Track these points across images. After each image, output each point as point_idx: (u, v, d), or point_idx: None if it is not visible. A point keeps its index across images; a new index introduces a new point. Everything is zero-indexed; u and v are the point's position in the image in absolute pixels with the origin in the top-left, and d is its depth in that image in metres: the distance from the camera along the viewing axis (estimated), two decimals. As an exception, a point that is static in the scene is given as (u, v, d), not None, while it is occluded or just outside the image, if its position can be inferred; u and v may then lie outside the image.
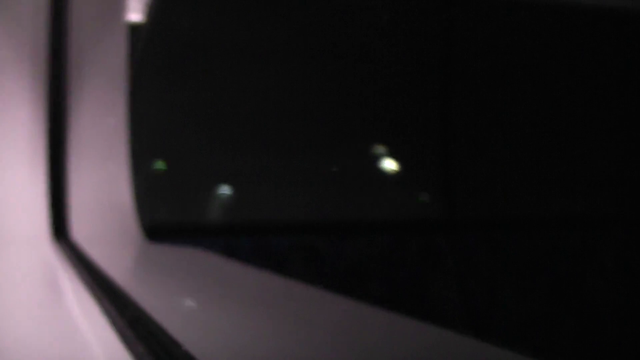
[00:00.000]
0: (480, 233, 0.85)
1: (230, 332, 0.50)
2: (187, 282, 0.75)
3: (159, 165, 1.13)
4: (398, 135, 0.80)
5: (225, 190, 1.05)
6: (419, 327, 0.46)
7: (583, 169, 0.75)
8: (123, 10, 1.11)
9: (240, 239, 1.01)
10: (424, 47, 0.66)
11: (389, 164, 0.86)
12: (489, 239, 0.81)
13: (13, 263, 0.96)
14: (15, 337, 0.56)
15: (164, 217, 1.11)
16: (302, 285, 0.67)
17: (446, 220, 0.84)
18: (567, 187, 0.76)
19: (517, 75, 0.71)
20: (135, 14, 1.11)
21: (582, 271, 0.60)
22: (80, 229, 1.06)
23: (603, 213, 0.76)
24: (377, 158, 0.86)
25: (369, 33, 0.56)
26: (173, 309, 0.60)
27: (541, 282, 0.62)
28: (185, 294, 0.67)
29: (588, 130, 0.71)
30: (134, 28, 1.10)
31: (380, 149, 0.86)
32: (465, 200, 0.87)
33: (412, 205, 0.85)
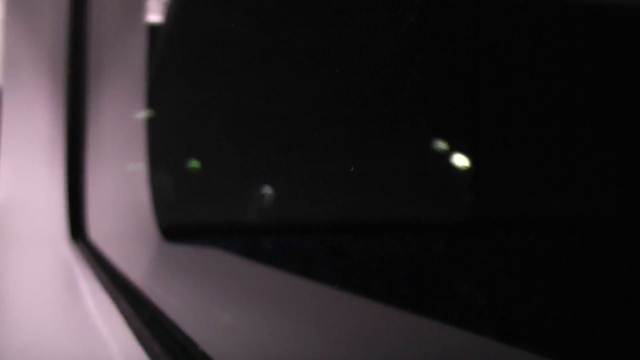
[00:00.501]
0: (481, 233, 0.85)
1: (246, 333, 0.50)
2: (203, 283, 0.74)
3: (177, 165, 1.13)
4: (404, 137, 0.80)
5: (242, 190, 1.05)
6: (438, 328, 0.46)
7: (583, 169, 0.74)
8: (142, 10, 1.11)
9: (257, 240, 1.01)
10: (440, 48, 0.66)
11: (399, 166, 0.86)
12: (490, 239, 0.81)
13: (31, 262, 0.96)
14: (33, 335, 0.56)
15: (181, 217, 1.11)
16: (320, 286, 0.67)
17: (469, 220, 0.84)
18: (567, 188, 0.76)
19: (523, 76, 0.70)
20: (154, 15, 1.11)
21: (582, 271, 0.59)
22: (97, 229, 1.07)
23: (603, 213, 0.75)
24: (382, 160, 0.86)
25: (392, 33, 0.56)
26: (190, 309, 0.60)
27: (541, 282, 0.62)
28: (202, 294, 0.67)
29: (588, 130, 0.71)
30: (154, 28, 1.10)
31: (386, 151, 0.85)
32: (465, 201, 0.87)
33: (428, 206, 0.85)
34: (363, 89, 0.67)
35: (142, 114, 1.07)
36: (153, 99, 1.07)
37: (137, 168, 1.06)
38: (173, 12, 1.12)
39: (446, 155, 0.84)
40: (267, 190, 1.01)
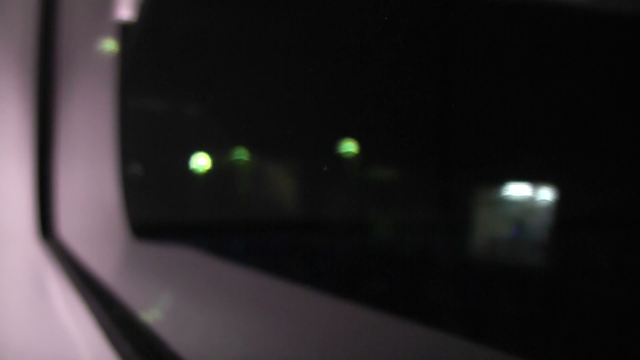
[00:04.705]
0: (477, 233, 0.85)
1: (216, 331, 0.50)
2: (173, 282, 0.74)
3: (147, 163, 1.13)
4: (394, 134, 0.80)
5: (212, 189, 1.05)
6: (411, 329, 0.46)
7: (581, 169, 0.75)
8: (113, 9, 1.10)
9: (228, 238, 1.01)
10: (421, 47, 0.67)
11: (385, 164, 0.86)
12: (462, 240, 0.82)
13: (-1, 261, 0.95)
14: (0, 336, 0.56)
15: (151, 216, 1.11)
16: (290, 285, 0.67)
17: (443, 220, 0.85)
18: (565, 187, 0.77)
19: (514, 75, 0.71)
20: (125, 13, 1.11)
21: (580, 272, 0.60)
22: (67, 228, 1.06)
23: (602, 213, 0.76)
24: (372, 158, 0.86)
25: (363, 31, 0.56)
26: (159, 308, 0.60)
27: (538, 284, 0.62)
28: (172, 293, 0.67)
29: (585, 130, 0.72)
30: (125, 27, 1.09)
31: (375, 148, 0.86)
32: (461, 200, 0.88)
33: (408, 205, 0.85)
34: (339, 88, 0.67)
35: (112, 113, 1.07)
36: (124, 98, 1.06)
37: (107, 167, 1.06)
38: (145, 10, 1.12)
39: (441, 154, 0.84)
40: (238, 188, 1.01)
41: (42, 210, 1.07)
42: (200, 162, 1.03)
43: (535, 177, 0.44)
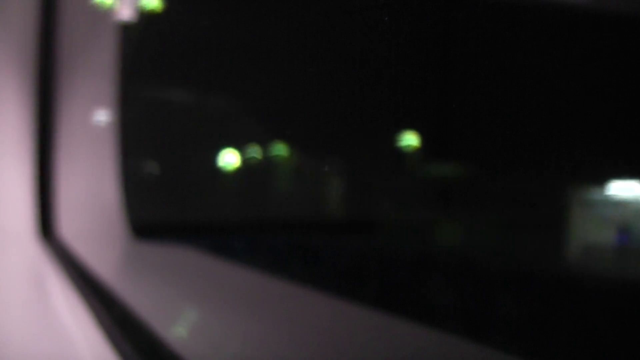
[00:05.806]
0: (475, 233, 0.85)
1: (217, 332, 0.50)
2: (174, 282, 0.74)
3: (148, 163, 1.13)
4: (392, 133, 0.80)
5: (213, 189, 1.05)
6: (412, 330, 0.46)
7: (579, 168, 0.75)
8: (114, 9, 1.10)
9: (228, 238, 1.01)
10: (418, 46, 0.67)
11: (383, 163, 0.86)
12: (484, 239, 0.81)
13: (-1, 261, 0.95)
14: (0, 336, 0.56)
15: (152, 215, 1.11)
16: (291, 285, 0.67)
17: (442, 218, 0.85)
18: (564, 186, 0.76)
19: (514, 76, 0.71)
20: (126, 13, 1.11)
21: (578, 271, 0.60)
22: (67, 227, 1.06)
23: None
24: (369, 157, 0.86)
25: (359, 29, 0.56)
26: (160, 308, 0.60)
27: (537, 283, 0.62)
28: (172, 293, 0.67)
29: (583, 130, 0.72)
30: (125, 27, 1.09)
31: (373, 147, 0.86)
32: (460, 199, 0.87)
33: (406, 204, 0.85)
34: (337, 88, 0.67)
35: (112, 114, 1.07)
36: (124, 98, 1.06)
37: (107, 167, 1.06)
38: (145, 11, 1.12)
39: (438, 152, 0.84)
40: (238, 188, 1.01)
41: (42, 210, 1.07)
42: (201, 161, 1.03)
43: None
